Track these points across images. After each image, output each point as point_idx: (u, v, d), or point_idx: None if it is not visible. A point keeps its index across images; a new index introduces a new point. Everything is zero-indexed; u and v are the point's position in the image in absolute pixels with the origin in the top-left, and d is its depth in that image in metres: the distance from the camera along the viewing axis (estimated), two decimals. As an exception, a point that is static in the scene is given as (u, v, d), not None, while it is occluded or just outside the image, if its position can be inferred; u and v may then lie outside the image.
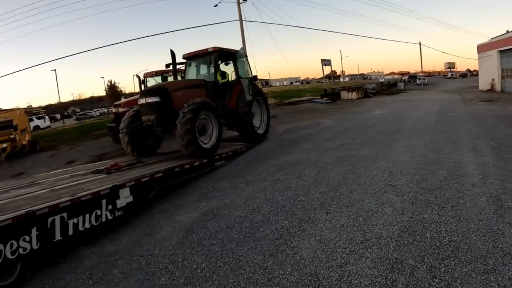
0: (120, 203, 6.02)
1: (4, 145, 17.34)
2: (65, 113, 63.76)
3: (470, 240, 4.12)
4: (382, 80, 61.49)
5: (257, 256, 4.44)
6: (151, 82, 15.79)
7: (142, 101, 9.19)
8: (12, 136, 17.71)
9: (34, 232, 4.81)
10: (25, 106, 64.39)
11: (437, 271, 3.59)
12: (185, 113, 8.38)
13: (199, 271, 4.35)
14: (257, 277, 4.01)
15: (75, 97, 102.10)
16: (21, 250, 4.69)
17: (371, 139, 10.58)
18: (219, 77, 10.94)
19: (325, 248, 4.37)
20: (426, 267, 3.67)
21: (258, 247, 4.67)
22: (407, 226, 4.58)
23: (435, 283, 3.42)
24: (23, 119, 20.21)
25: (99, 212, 5.65)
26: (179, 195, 7.31)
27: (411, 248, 4.08)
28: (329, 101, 30.81)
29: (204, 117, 9.07)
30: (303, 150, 9.99)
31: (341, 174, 7.13)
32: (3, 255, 4.52)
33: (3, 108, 20.31)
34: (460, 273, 3.50)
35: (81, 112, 60.31)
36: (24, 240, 4.72)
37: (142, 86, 16.04)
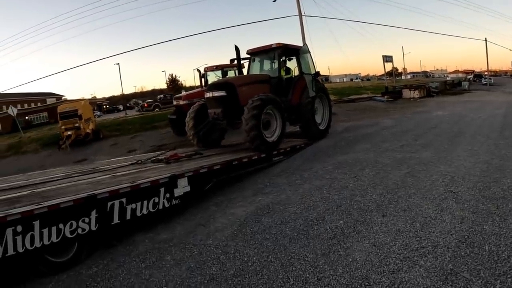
0: (177, 192, 6.48)
1: (69, 133, 19.51)
2: (127, 105, 67.81)
3: (530, 257, 3.90)
4: (447, 79, 57.83)
5: (309, 254, 4.57)
6: (212, 76, 16.43)
7: (209, 94, 9.92)
8: (76, 125, 19.84)
9: (93, 214, 5.40)
10: (89, 97, 69.83)
11: (492, 287, 3.46)
12: (250, 108, 8.90)
13: (249, 264, 4.57)
14: (307, 275, 4.13)
15: (137, 89, 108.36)
16: (79, 230, 5.29)
17: (432, 142, 10.15)
18: (283, 73, 11.43)
19: (378, 252, 4.38)
20: (481, 282, 3.56)
21: (310, 245, 4.79)
22: (466, 236, 4.43)
23: None
24: (87, 109, 22.33)
25: (156, 200, 6.14)
26: (235, 188, 7.63)
27: (467, 260, 3.96)
28: (390, 99, 29.80)
29: (268, 112, 9.55)
30: (362, 150, 9.89)
31: (400, 176, 6.99)
32: (62, 233, 5.13)
33: (69, 98, 22.48)
34: None
35: (139, 104, 63.47)
36: (83, 221, 5.32)
37: (203, 80, 16.70)
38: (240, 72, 12.00)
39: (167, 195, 6.31)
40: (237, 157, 8.29)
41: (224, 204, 6.78)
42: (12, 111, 26.93)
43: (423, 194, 5.93)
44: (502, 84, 55.37)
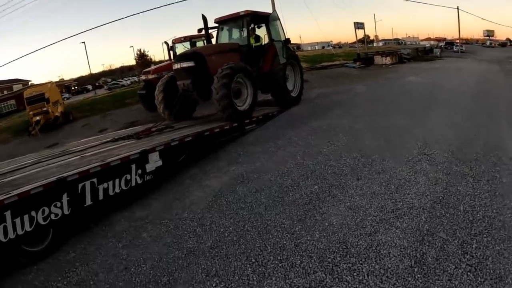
0: (149, 167, 6.37)
1: (38, 118, 19.01)
2: (96, 84, 66.04)
3: (505, 217, 4.06)
4: (419, 46, 58.25)
5: (285, 221, 4.63)
6: (180, 48, 16.08)
7: (177, 66, 9.74)
8: (44, 109, 19.35)
9: (65, 198, 5.26)
10: (57, 79, 67.64)
11: (468, 247, 3.60)
12: (220, 77, 8.79)
13: (226, 234, 4.62)
14: (284, 242, 4.21)
15: (105, 68, 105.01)
16: (52, 216, 5.17)
17: (405, 107, 10.31)
18: (252, 41, 11.28)
19: (354, 215, 4.47)
20: (458, 242, 3.69)
21: (286, 212, 4.85)
22: (440, 198, 4.56)
23: (465, 259, 3.44)
24: (55, 92, 21.76)
25: (128, 177, 6.03)
26: (209, 159, 7.59)
27: (443, 220, 4.09)
28: (362, 66, 29.94)
29: (239, 81, 9.46)
30: (335, 116, 9.95)
31: (373, 141, 7.09)
32: (35, 221, 5.01)
33: (36, 83, 21.92)
34: (492, 251, 3.50)
35: (112, 82, 62.03)
36: (55, 206, 5.19)
37: (171, 52, 16.34)
38: (209, 42, 11.74)
39: (139, 171, 6.20)
40: (208, 128, 8.20)
41: (199, 177, 6.75)
42: None
43: (397, 157, 6.04)
44: (473, 52, 56.22)
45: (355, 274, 3.53)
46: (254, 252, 4.15)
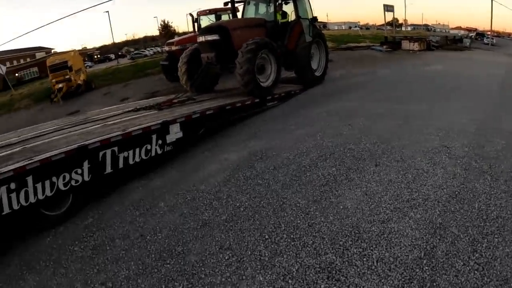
0: (169, 138, 6.54)
1: (60, 85, 19.49)
2: (119, 53, 66.42)
3: (519, 220, 3.95)
4: (449, 34, 55.95)
5: (300, 201, 4.64)
6: (205, 20, 16.05)
7: (201, 39, 9.82)
8: (67, 77, 19.76)
9: (86, 165, 5.46)
10: (80, 48, 68.36)
11: (479, 245, 3.54)
12: (245, 52, 8.80)
13: (242, 209, 4.68)
14: (298, 221, 4.24)
15: (128, 37, 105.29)
16: (73, 182, 5.40)
17: (429, 95, 9.99)
18: (279, 17, 11.17)
19: (369, 201, 4.44)
20: (469, 239, 3.63)
21: (302, 191, 4.86)
22: (456, 192, 4.46)
23: (474, 257, 3.40)
24: (78, 60, 22.15)
25: (149, 147, 6.21)
26: (229, 133, 7.66)
27: (456, 215, 4.01)
28: (388, 49, 29.08)
29: (263, 56, 9.44)
30: (358, 98, 9.78)
31: (394, 127, 6.93)
32: (56, 187, 5.23)
33: (59, 51, 22.34)
34: (501, 253, 3.42)
35: (135, 52, 62.29)
36: (76, 172, 5.41)
37: (195, 25, 16.28)
38: (234, 16, 11.78)
39: (160, 141, 6.35)
40: (230, 102, 8.24)
41: (217, 150, 6.82)
42: (1, 69, 26.61)
43: (417, 146, 5.91)
44: (504, 45, 53.79)
45: (364, 259, 3.55)
46: (268, 228, 4.21)
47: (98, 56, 69.00)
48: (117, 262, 4.30)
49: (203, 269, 3.82)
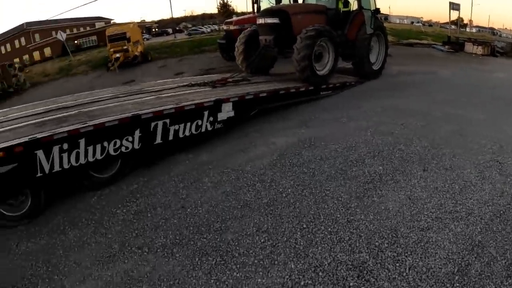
0: (221, 116, 6.61)
1: (118, 55, 20.20)
2: (177, 28, 67.53)
3: None
4: None
5: (343, 195, 4.59)
6: (265, 2, 15.87)
7: (261, 21, 9.77)
8: (125, 47, 20.51)
9: (137, 134, 5.69)
10: (139, 20, 70.30)
11: None
12: (304, 38, 8.71)
13: (284, 195, 4.70)
14: (338, 215, 4.21)
15: (187, 13, 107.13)
16: (123, 149, 5.65)
17: (487, 103, 9.33)
18: (340, 5, 10.83)
19: (412, 206, 4.33)
20: (505, 263, 3.45)
21: (346, 186, 4.80)
22: (501, 212, 4.22)
23: (507, 283, 3.25)
24: (136, 32, 22.88)
25: (200, 122, 6.32)
26: (280, 118, 7.63)
27: (497, 236, 3.82)
28: (450, 50, 27.47)
29: (321, 44, 9.28)
30: (414, 98, 9.38)
31: (448, 133, 6.60)
32: (106, 151, 5.51)
33: (118, 22, 23.30)
34: None
35: (192, 28, 63.10)
36: (127, 140, 5.65)
37: (255, 6, 16.22)
38: (295, 0, 11.60)
39: (211, 118, 6.44)
40: (284, 87, 8.20)
41: (267, 133, 6.84)
42: (61, 36, 28.02)
43: (468, 156, 5.63)
44: None
45: (397, 264, 3.49)
46: (307, 218, 4.21)
47: (156, 29, 70.63)
48: (156, 230, 4.50)
49: (237, 248, 3.90)
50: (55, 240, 4.92)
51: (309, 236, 3.92)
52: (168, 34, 60.86)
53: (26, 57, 53.24)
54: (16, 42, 56.39)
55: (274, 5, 13.66)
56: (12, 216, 5.52)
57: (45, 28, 57.44)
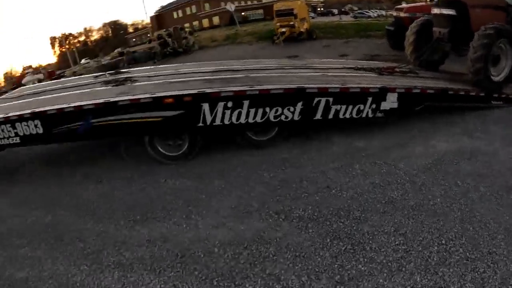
0: (384, 105, 6.37)
1: (284, 30, 21.14)
2: (342, 9, 66.67)
3: None
4: None
5: (492, 222, 3.99)
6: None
7: (436, 11, 8.97)
8: (291, 23, 21.27)
9: (299, 106, 5.90)
10: (307, -1, 71.17)
11: None
12: (482, 36, 7.67)
13: (431, 203, 4.40)
14: (480, 242, 3.71)
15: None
16: (283, 117, 5.95)
17: None
18: None
19: None
20: None
21: (498, 213, 4.16)
22: None
23: None
24: (303, 10, 23.38)
25: (361, 107, 6.20)
26: (443, 121, 7.04)
27: None
28: None
29: (500, 46, 8.08)
30: None
31: None
32: (267, 116, 5.90)
33: None
34: None
35: (358, 11, 61.60)
36: (288, 110, 5.91)
37: (430, -6, 15.05)
38: None
39: (373, 105, 6.25)
40: (454, 87, 7.55)
41: (427, 133, 6.43)
42: (230, 7, 30.33)
43: None
44: None
45: None
46: (448, 234, 3.85)
47: (322, 9, 70.70)
48: (297, 201, 4.67)
49: (370, 242, 3.81)
50: (201, 185, 5.52)
51: (444, 254, 3.59)
52: (333, 14, 60.42)
53: (195, 23, 59.37)
54: (188, 9, 63.58)
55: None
56: (168, 155, 6.45)
57: (216, -2, 62.84)
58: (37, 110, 6.31)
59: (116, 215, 5.15)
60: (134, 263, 4.17)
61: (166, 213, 4.97)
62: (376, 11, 57.71)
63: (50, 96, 7.59)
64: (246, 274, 3.64)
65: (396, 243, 3.76)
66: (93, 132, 6.19)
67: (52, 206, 5.64)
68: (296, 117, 5.94)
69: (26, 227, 5.29)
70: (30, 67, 58.19)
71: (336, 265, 3.54)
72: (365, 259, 3.57)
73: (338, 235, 3.96)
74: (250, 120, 5.90)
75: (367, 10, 60.88)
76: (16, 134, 6.52)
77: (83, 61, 53.91)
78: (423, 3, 14.95)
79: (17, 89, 13.94)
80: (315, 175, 5.19)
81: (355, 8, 70.00)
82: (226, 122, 5.88)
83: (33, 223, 5.31)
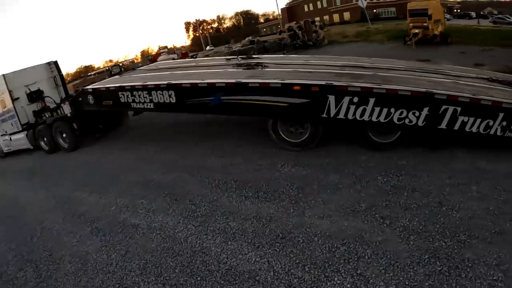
0: None
1: (417, 31, 19.66)
2: (481, 13, 60.72)
3: None
4: None
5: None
6: None
7: None
8: (425, 24, 19.76)
9: (425, 111, 5.44)
10: (444, -1, 65.80)
11: None
12: None
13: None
14: None
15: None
16: (407, 121, 5.57)
17: None
18: None
19: None
20: None
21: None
22: None
23: None
24: (438, 10, 21.57)
25: (491, 123, 5.41)
26: None
27: None
28: None
29: None
30: None
31: None
32: (391, 117, 5.59)
33: None
34: None
35: (498, 15, 55.35)
36: (413, 114, 5.50)
37: None
38: None
39: (504, 123, 5.39)
40: None
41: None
42: (362, 3, 29.02)
43: None
44: None
45: None
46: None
47: (458, 10, 65.17)
48: (405, 210, 4.42)
49: (468, 270, 3.45)
50: (315, 175, 5.53)
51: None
52: (470, 18, 55.40)
53: (326, 17, 58.68)
54: (319, 3, 62.89)
55: None
56: (289, 141, 6.58)
57: (348, -7, 61.23)
58: (173, 82, 6.97)
59: (230, 188, 5.52)
60: (237, 233, 4.38)
61: (277, 195, 5.12)
62: (521, 16, 51.32)
63: (184, 72, 8.26)
64: (338, 268, 3.65)
65: (495, 278, 3.35)
66: (221, 108, 6.62)
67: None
68: (420, 123, 5.50)
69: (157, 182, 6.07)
70: (165, 47, 64.27)
71: (427, 284, 3.35)
72: (458, 286, 3.30)
73: (436, 254, 3.69)
74: (374, 118, 5.66)
75: (508, 16, 54.38)
76: (151, 101, 7.25)
77: (207, 48, 56.95)
78: None
79: (153, 63, 15.57)
80: (430, 188, 4.79)
81: (495, 12, 63.27)
82: (350, 117, 5.75)
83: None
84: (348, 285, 3.42)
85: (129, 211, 5.71)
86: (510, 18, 51.18)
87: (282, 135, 6.60)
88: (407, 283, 3.35)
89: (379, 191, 4.91)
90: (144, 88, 7.39)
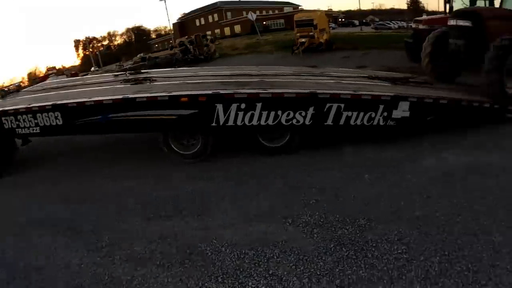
0: (395, 114, 6.27)
1: (303, 40, 21.39)
2: (363, 21, 67.11)
3: None
4: None
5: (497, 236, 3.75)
6: (458, 2, 14.19)
7: (452, 22, 8.94)
8: (311, 33, 21.46)
9: (310, 110, 5.94)
10: (325, 9, 71.61)
11: None
12: (497, 47, 7.52)
13: (437, 214, 4.24)
14: (483, 255, 3.51)
15: (375, 6, 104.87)
16: (294, 121, 6.01)
17: None
18: None
19: None
20: None
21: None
22: None
23: None
24: (323, 20, 23.71)
25: (373, 115, 6.14)
26: (454, 133, 6.79)
27: None
28: None
29: None
30: None
31: None
32: (278, 120, 5.97)
33: (306, 8, 24.75)
34: None
35: (379, 22, 61.67)
36: (300, 114, 5.96)
37: (447, 6, 14.83)
38: (491, 3, 10.31)
39: (385, 113, 6.17)
40: (467, 98, 7.33)
41: (439, 146, 6.25)
42: (252, 16, 30.77)
43: None
44: None
45: None
46: (451, 247, 3.65)
47: (343, 19, 71.44)
48: (305, 207, 4.67)
49: (373, 249, 3.71)
50: (213, 186, 5.63)
51: (446, 265, 3.42)
52: (354, 25, 60.81)
53: (217, 31, 60.52)
54: (210, 17, 65.15)
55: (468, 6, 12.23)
56: (182, 154, 6.65)
57: (237, 7, 64.14)
58: (58, 102, 6.54)
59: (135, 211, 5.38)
60: (145, 257, 4.27)
61: (178, 212, 5.08)
62: (397, 23, 57.53)
63: (71, 90, 7.82)
64: (250, 273, 3.66)
65: (399, 251, 3.66)
66: (112, 126, 6.43)
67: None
68: (307, 122, 5.98)
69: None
70: (54, 68, 60.09)
71: (337, 270, 3.50)
72: (365, 266, 3.52)
73: (342, 241, 3.91)
74: (262, 122, 5.99)
75: (388, 22, 60.73)
76: (37, 124, 6.74)
77: (92, 69, 54.26)
78: (442, 15, 14.78)
79: (40, 83, 14.44)
80: (325, 182, 5.21)
81: (377, 19, 70.15)
82: (239, 123, 5.99)
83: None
84: (263, 287, 3.46)
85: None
86: (390, 24, 57.28)
87: (175, 148, 6.63)
88: (318, 273, 3.48)
89: (278, 193, 5.15)
90: (29, 111, 6.80)
